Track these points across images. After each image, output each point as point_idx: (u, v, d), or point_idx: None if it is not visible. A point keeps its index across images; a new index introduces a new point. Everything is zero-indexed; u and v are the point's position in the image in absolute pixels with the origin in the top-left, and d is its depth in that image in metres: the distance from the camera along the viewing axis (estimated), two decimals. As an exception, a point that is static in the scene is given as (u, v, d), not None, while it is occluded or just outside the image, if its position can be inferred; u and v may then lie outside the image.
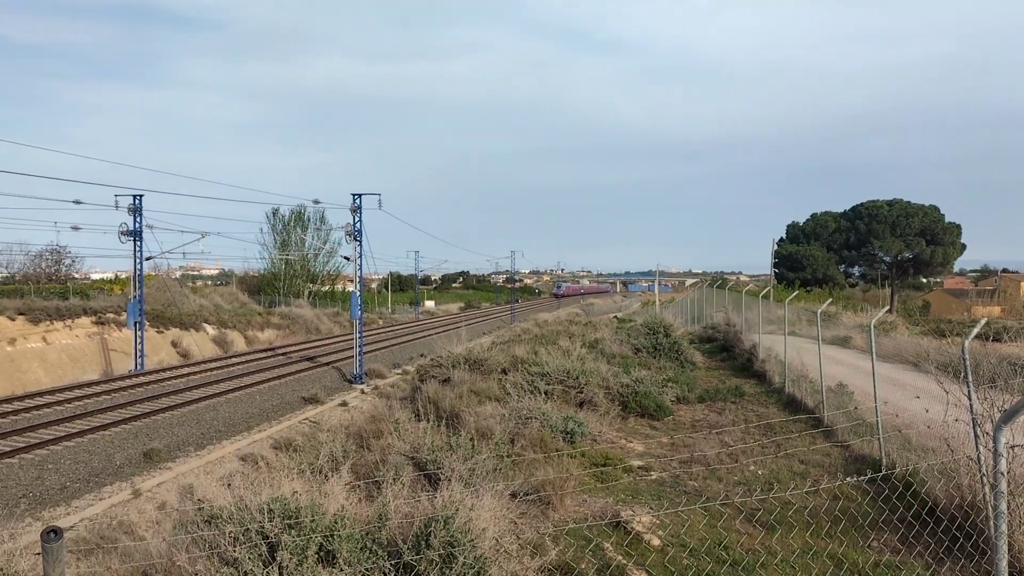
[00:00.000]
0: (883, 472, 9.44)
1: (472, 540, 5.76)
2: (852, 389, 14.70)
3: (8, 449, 18.20)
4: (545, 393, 14.63)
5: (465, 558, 5.58)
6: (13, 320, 34.56)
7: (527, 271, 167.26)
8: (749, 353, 23.31)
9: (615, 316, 55.15)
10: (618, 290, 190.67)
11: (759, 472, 10.74)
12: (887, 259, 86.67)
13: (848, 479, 9.09)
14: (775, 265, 77.14)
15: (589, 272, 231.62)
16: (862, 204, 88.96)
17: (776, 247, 79.85)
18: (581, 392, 15.37)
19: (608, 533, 8.07)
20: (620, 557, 7.32)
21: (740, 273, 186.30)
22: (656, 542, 7.87)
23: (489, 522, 6.43)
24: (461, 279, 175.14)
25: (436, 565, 5.58)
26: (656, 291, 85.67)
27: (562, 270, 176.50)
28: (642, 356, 22.37)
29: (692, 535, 7.96)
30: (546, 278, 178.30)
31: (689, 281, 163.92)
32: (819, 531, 7.91)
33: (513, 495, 8.37)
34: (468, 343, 23.46)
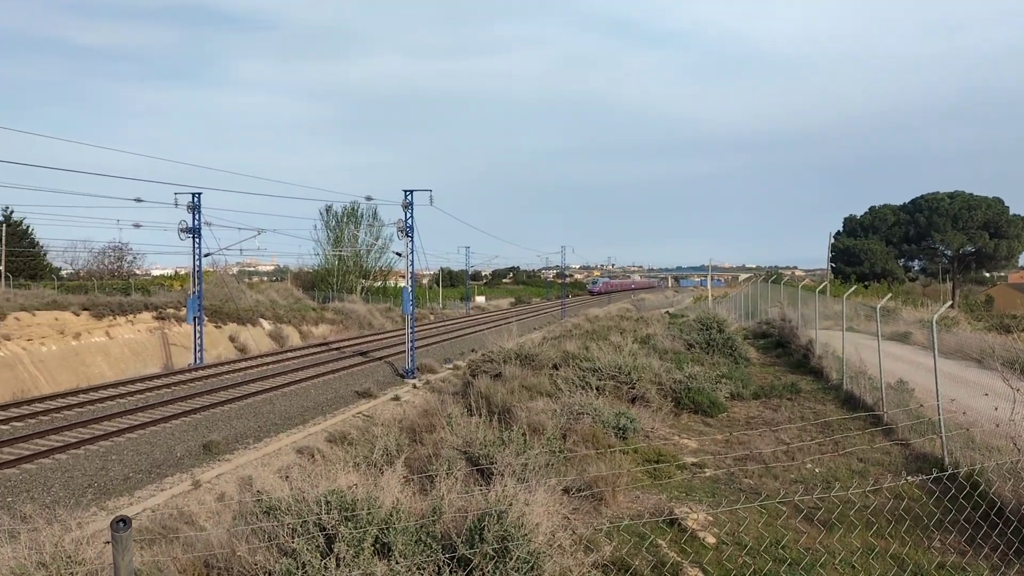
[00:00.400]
0: (948, 471, 9.17)
1: (526, 535, 5.77)
2: (912, 386, 14.32)
3: (74, 440, 18.82)
4: (596, 389, 14.57)
5: (519, 553, 5.58)
6: (78, 315, 35.71)
7: (577, 266, 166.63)
8: (805, 349, 22.88)
9: (667, 311, 54.67)
10: (669, 285, 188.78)
11: (816, 470, 10.54)
12: (948, 253, 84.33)
13: (910, 478, 8.86)
14: (832, 259, 75.51)
15: (640, 267, 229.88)
16: (922, 196, 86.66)
17: (833, 241, 78.16)
18: (633, 388, 15.26)
19: (662, 530, 8.01)
20: (675, 554, 7.25)
21: (795, 267, 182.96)
22: (711, 540, 7.78)
23: (542, 517, 6.42)
24: (511, 275, 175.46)
25: (490, 559, 5.59)
26: (708, 286, 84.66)
27: (612, 265, 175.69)
28: (695, 352, 22.13)
29: (748, 533, 7.84)
30: (596, 273, 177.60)
31: (742, 276, 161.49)
32: (880, 531, 7.72)
33: (566, 490, 8.36)
34: (519, 338, 23.50)
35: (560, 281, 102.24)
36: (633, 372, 15.55)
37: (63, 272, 61.09)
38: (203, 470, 17.81)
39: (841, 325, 18.99)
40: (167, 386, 27.71)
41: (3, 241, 53.70)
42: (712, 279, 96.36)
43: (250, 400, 25.20)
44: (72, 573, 5.99)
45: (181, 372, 32.23)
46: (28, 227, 62.09)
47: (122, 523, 3.34)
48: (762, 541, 7.67)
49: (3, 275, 46.54)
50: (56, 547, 6.12)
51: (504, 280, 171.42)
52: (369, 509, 5.34)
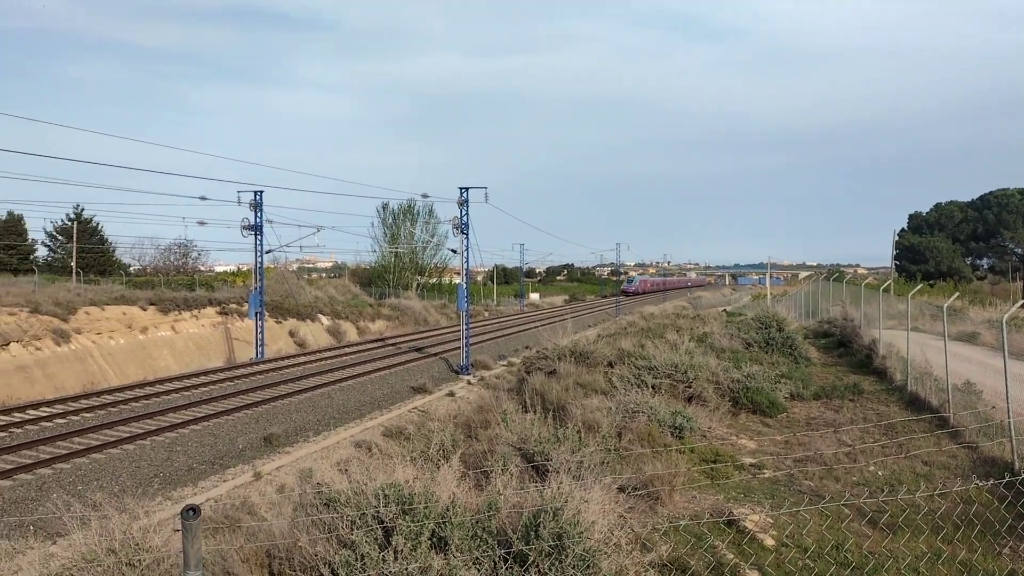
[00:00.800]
0: (1021, 476, 8.85)
1: (582, 532, 5.76)
2: (981, 388, 13.86)
3: (141, 431, 19.42)
4: (652, 387, 14.45)
5: (575, 550, 5.58)
6: (145, 310, 36.82)
7: (632, 263, 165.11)
8: (868, 349, 22.32)
9: (724, 310, 53.90)
10: (727, 283, 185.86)
11: (879, 473, 10.28)
12: (1018, 251, 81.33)
13: (979, 482, 8.57)
14: (896, 257, 73.54)
15: (696, 264, 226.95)
16: (991, 193, 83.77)
17: (897, 238, 76.10)
18: (689, 387, 15.09)
19: (719, 531, 7.91)
20: (733, 556, 7.16)
21: (857, 265, 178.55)
22: (770, 542, 7.66)
23: (598, 515, 6.40)
24: (565, 272, 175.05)
25: (546, 556, 5.60)
26: (767, 284, 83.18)
27: (668, 262, 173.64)
28: (753, 351, 21.78)
29: (809, 536, 7.70)
30: (651, 270, 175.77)
31: (802, 274, 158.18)
32: (947, 536, 7.50)
33: (621, 489, 8.31)
34: (573, 336, 23.42)
35: (615, 278, 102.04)
36: (690, 371, 15.37)
37: (131, 268, 63.04)
38: (264, 462, 18.20)
39: (906, 325, 18.48)
40: (229, 379, 28.39)
41: (75, 238, 55.65)
42: (771, 277, 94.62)
43: (309, 394, 25.66)
44: (140, 560, 6.18)
45: (243, 366, 33.00)
46: (98, 224, 64.27)
47: (192, 512, 3.45)
48: (824, 544, 7.52)
49: (74, 271, 48.22)
50: (125, 534, 6.33)
51: (558, 277, 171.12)
52: (426, 503, 5.39)
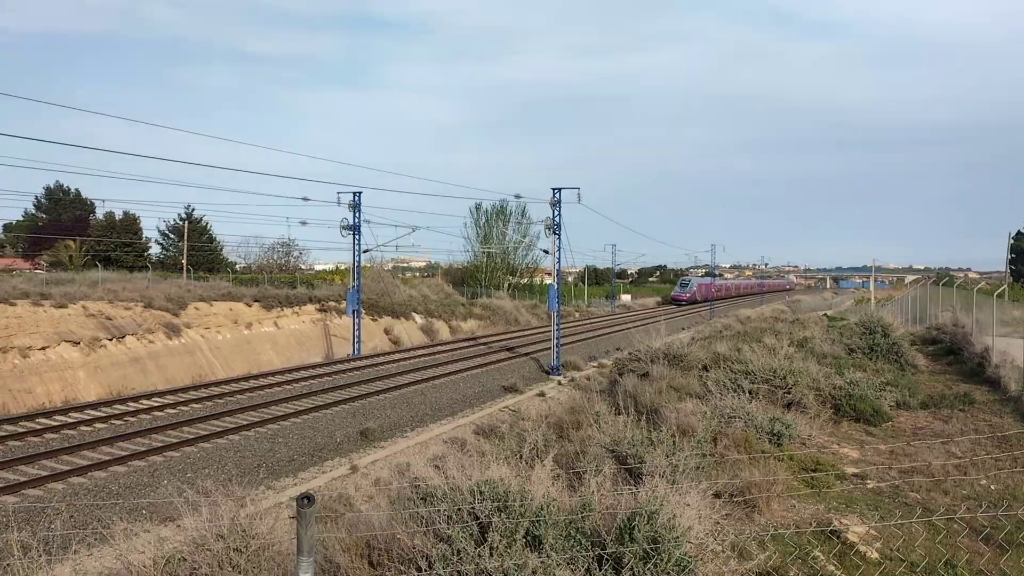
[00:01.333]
0: None
1: (677, 537, 5.69)
2: (1110, 401, 12.97)
3: (246, 423, 20.23)
4: (749, 392, 14.11)
5: (671, 554, 5.52)
6: (250, 306, 38.35)
7: (727, 265, 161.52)
8: (980, 357, 21.18)
9: (824, 314, 52.15)
10: (827, 286, 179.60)
11: (992, 487, 9.75)
12: None
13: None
14: (1011, 261, 69.49)
15: (795, 267, 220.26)
16: (1122, 192, 78.19)
17: (1012, 241, 71.93)
18: (788, 393, 14.67)
19: (819, 542, 7.67)
20: (833, 568, 6.93)
21: (968, 269, 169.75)
22: (873, 555, 7.38)
23: (694, 520, 6.32)
24: (658, 273, 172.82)
25: (641, 559, 5.56)
26: (871, 288, 79.96)
27: (765, 264, 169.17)
28: (856, 357, 20.98)
29: (913, 550, 7.38)
30: (748, 272, 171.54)
31: (909, 278, 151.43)
32: (1069, 558, 7.07)
33: (716, 495, 8.17)
34: (666, 338, 23.12)
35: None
36: (789, 376, 14.94)
37: (237, 266, 65.76)
38: (360, 456, 18.69)
39: (1022, 332, 17.47)
40: (328, 375, 29.26)
41: (185, 236, 58.43)
42: (875, 280, 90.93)
43: (403, 391, 26.18)
44: (246, 546, 6.46)
45: (340, 362, 33.95)
46: (207, 224, 67.36)
47: (306, 500, 3.61)
48: (931, 559, 7.20)
49: (185, 268, 50.63)
50: (233, 521, 6.62)
51: (650, 279, 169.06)
52: (521, 501, 5.44)
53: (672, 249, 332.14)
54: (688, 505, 6.43)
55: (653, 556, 5.64)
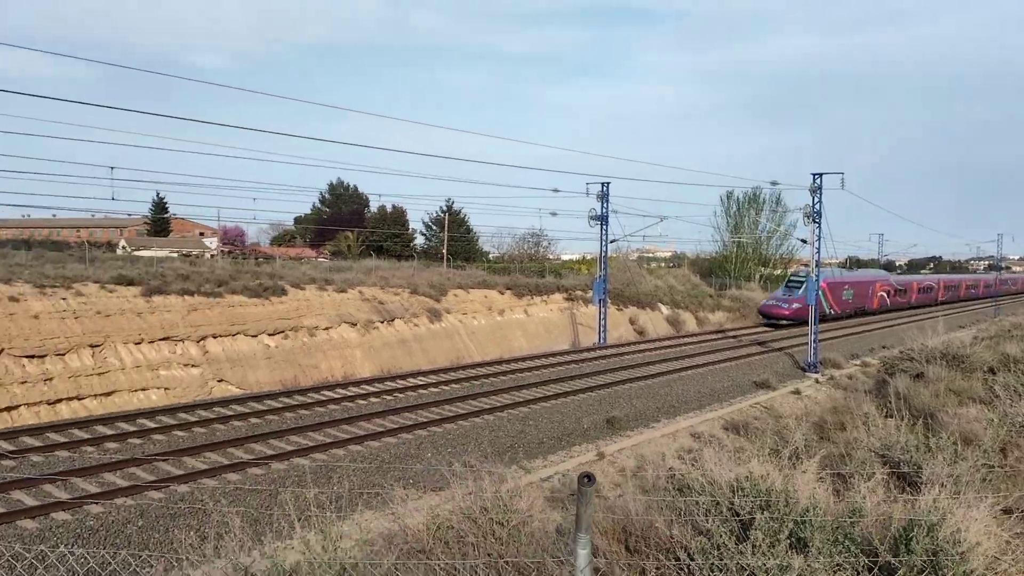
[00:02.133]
0: None
1: (962, 553, 5.17)
2: None
3: (499, 404, 21.26)
4: (1047, 400, 12.45)
5: (953, 571, 5.03)
6: (502, 294, 40.21)
7: (1016, 257, 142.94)
8: None
9: None
10: None
11: None
12: None
13: None
14: None
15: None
16: None
17: None
18: (1098, 403, 12.75)
19: None
20: None
21: None
22: None
23: (981, 536, 5.71)
24: (932, 265, 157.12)
25: (917, 571, 5.13)
26: None
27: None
28: None
29: None
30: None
31: None
32: None
33: (1006, 511, 7.31)
34: (943, 336, 21.00)
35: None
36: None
37: (490, 255, 69.20)
38: (606, 443, 18.91)
39: None
40: (574, 362, 29.91)
41: (446, 228, 62.41)
42: None
43: (649, 381, 26.11)
44: (508, 520, 6.80)
45: (586, 350, 34.56)
46: (465, 215, 71.43)
47: (587, 479, 3.72)
48: None
49: (445, 257, 54.12)
50: (495, 495, 7.00)
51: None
52: (786, 501, 5.22)
53: (950, 239, 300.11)
54: (974, 520, 5.83)
55: (931, 570, 5.18)
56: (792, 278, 48.09)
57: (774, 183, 39.72)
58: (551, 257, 71.30)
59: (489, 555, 6.12)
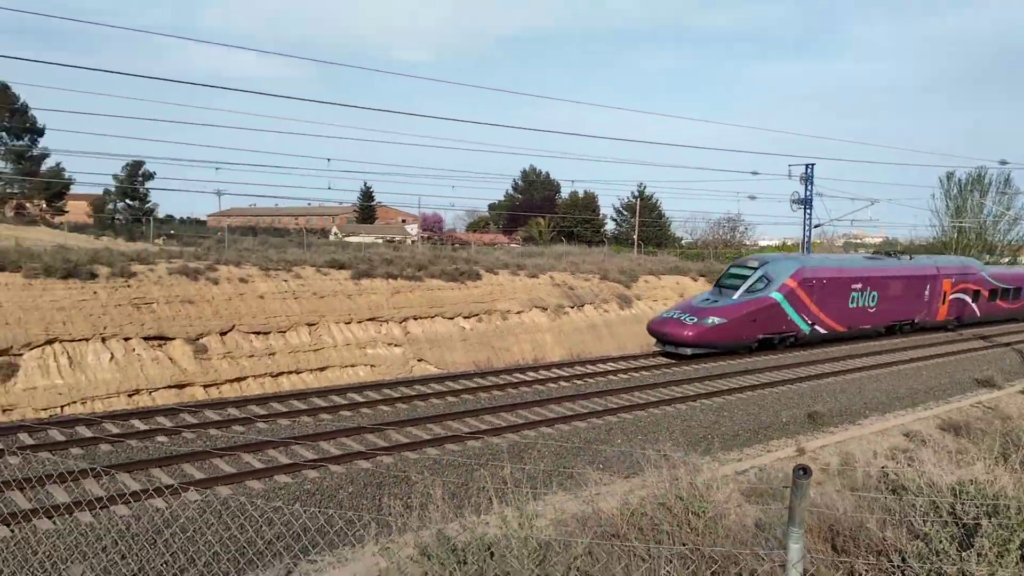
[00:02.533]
0: None
1: None
2: None
3: (692, 394, 20.89)
4: None
5: None
6: (695, 280, 39.36)
7: None
8: None
9: None
10: None
11: None
12: None
13: None
14: None
15: None
16: None
17: None
18: None
19: None
20: None
21: None
22: None
23: None
24: None
25: None
26: None
27: None
28: None
29: None
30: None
31: None
32: None
33: None
34: None
35: None
36: None
37: (683, 241, 67.91)
38: (806, 438, 18.03)
39: None
40: (772, 353, 28.71)
41: (637, 213, 61.93)
42: None
43: (854, 375, 24.63)
44: (704, 510, 6.69)
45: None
46: (656, 200, 70.51)
47: (803, 471, 3.61)
48: None
49: (635, 243, 53.73)
50: (691, 484, 6.91)
51: None
52: (1018, 509, 4.76)
53: None
54: None
55: None
56: (733, 268, 29.02)
57: (1004, 162, 36.00)
58: (748, 243, 68.77)
59: (684, 544, 6.06)
